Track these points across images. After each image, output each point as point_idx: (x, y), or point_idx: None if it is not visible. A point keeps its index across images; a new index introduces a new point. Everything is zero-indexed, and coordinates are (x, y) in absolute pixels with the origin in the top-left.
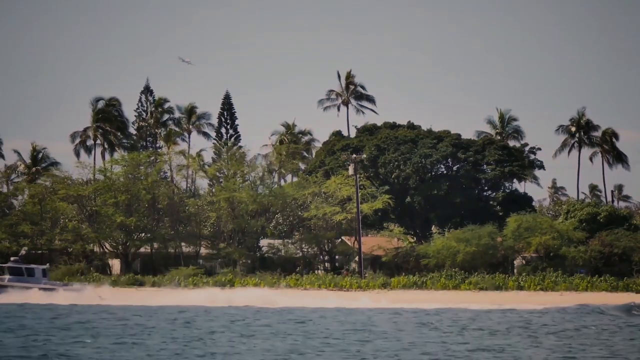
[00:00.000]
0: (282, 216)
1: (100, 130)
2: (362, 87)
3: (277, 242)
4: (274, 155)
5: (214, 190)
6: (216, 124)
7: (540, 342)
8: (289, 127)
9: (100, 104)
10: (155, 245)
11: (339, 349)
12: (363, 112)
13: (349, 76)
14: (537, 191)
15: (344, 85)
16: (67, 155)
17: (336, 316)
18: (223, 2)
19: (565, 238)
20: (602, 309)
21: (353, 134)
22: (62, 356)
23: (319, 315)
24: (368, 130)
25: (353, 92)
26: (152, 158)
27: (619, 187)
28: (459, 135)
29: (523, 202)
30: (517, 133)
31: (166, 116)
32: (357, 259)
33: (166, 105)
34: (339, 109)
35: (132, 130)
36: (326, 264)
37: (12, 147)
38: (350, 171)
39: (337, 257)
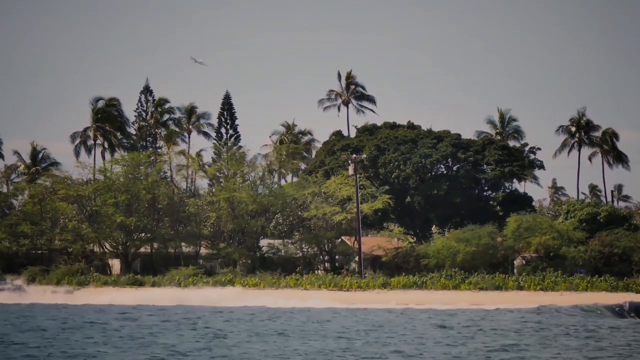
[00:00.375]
0: (282, 216)
1: (100, 130)
2: (362, 87)
3: (277, 242)
4: (274, 155)
5: (213, 190)
6: (216, 124)
7: (561, 342)
8: (289, 127)
9: (100, 104)
10: (155, 245)
11: (357, 350)
12: (363, 112)
13: (349, 76)
14: (537, 191)
15: (344, 85)
16: (67, 155)
17: (347, 316)
18: (223, 2)
19: (565, 238)
20: (597, 310)
21: (353, 134)
22: None
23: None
24: (368, 130)
25: (353, 92)
26: (152, 158)
27: (619, 187)
28: (459, 135)
29: (523, 202)
30: (517, 133)
31: (166, 116)
32: (357, 259)
33: (166, 106)
34: (339, 109)
35: (132, 130)
36: (326, 264)
37: (12, 147)
38: (350, 171)
39: (337, 257)
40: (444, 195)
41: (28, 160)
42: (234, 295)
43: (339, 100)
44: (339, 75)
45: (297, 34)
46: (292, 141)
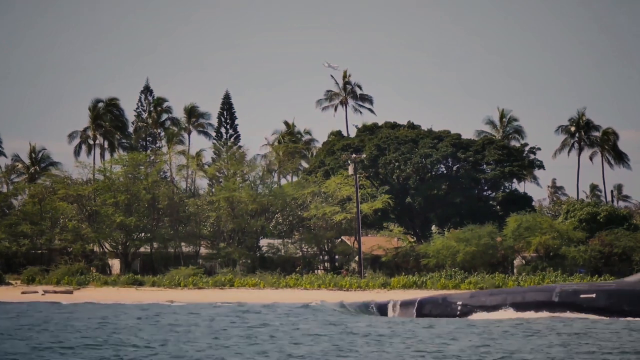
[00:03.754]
0: (281, 216)
1: (100, 130)
2: (359, 86)
3: (276, 242)
4: (273, 154)
5: (213, 190)
6: (216, 124)
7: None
8: (288, 127)
9: (100, 104)
10: (155, 245)
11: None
12: (361, 112)
13: (346, 75)
14: (537, 191)
15: (341, 85)
16: (67, 155)
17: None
18: (223, 2)
19: (565, 238)
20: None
21: (352, 133)
22: None
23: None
24: (369, 130)
25: (350, 92)
26: (152, 158)
27: (619, 187)
28: (459, 135)
29: (523, 202)
30: (518, 133)
31: (165, 116)
32: (357, 258)
33: (165, 105)
34: (335, 109)
35: (131, 130)
36: (326, 263)
37: (11, 147)
38: (350, 171)
39: (336, 257)
40: (443, 195)
41: (27, 160)
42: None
43: (337, 100)
44: (334, 78)
45: (296, 34)
46: (292, 141)
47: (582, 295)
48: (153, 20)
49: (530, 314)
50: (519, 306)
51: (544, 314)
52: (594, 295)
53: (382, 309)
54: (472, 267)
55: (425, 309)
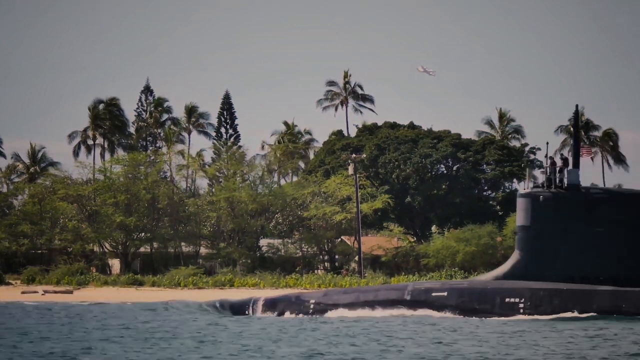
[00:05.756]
0: (281, 216)
1: (100, 130)
2: (360, 86)
3: (276, 242)
4: (273, 155)
5: (213, 190)
6: (216, 124)
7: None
8: (288, 127)
9: (100, 104)
10: (155, 245)
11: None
12: (361, 112)
13: (346, 75)
14: None
15: (342, 85)
16: (67, 155)
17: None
18: (222, 2)
19: None
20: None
21: (353, 133)
22: None
23: None
24: (369, 130)
25: (351, 92)
26: (152, 158)
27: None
28: (459, 135)
29: None
30: (517, 133)
31: (165, 116)
32: (356, 258)
33: (165, 105)
34: (336, 109)
35: (131, 130)
36: (326, 263)
37: (11, 147)
38: (350, 171)
39: (336, 256)
40: (444, 195)
41: (27, 160)
42: None
43: (337, 100)
44: (332, 82)
45: (296, 34)
46: (291, 141)
47: (434, 294)
48: (153, 20)
49: (382, 312)
50: (372, 304)
51: (396, 311)
52: (445, 294)
53: (235, 308)
54: (472, 267)
55: (278, 307)
